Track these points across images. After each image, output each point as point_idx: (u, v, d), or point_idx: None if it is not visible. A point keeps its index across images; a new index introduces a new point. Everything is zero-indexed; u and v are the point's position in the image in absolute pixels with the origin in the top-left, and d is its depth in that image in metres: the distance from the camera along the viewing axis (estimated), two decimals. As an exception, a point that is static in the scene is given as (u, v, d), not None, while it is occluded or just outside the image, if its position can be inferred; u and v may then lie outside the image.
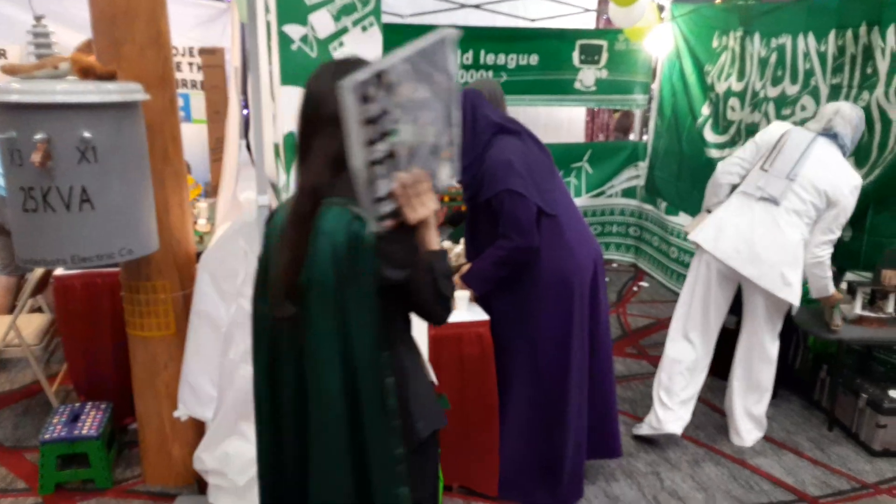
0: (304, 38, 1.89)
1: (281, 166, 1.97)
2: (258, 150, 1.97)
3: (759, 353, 2.98)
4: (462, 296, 2.44)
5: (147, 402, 2.58)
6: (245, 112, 2.42)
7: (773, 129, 3.01)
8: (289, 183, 1.98)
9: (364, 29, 1.94)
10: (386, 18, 4.96)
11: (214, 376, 2.31)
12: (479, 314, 2.42)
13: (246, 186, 2.29)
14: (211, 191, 4.28)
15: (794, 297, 2.78)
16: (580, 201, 5.53)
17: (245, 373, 2.18)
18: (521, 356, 2.48)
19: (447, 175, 1.29)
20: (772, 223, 2.77)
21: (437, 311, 1.32)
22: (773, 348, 2.98)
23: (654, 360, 3.95)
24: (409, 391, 1.35)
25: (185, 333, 2.37)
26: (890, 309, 3.17)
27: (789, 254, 2.76)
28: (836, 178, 2.79)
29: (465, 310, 2.43)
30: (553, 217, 2.47)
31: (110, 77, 2.00)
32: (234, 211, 2.34)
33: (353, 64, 1.26)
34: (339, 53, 1.93)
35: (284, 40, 1.86)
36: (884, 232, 3.25)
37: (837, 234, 2.86)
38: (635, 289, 5.28)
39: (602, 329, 2.56)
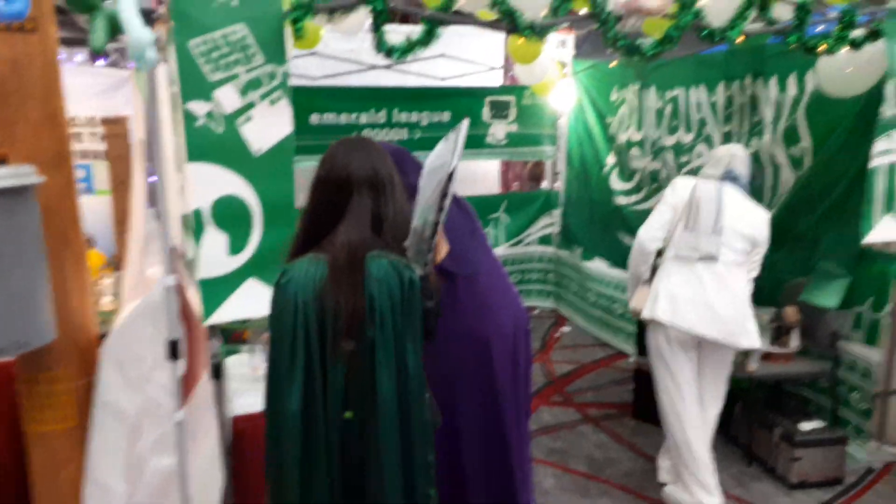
0: (210, 114, 1.85)
1: (190, 240, 1.90)
2: (164, 232, 1.90)
3: (721, 399, 2.97)
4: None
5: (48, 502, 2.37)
6: (151, 180, 2.34)
7: (681, 188, 3.00)
8: (198, 257, 1.90)
9: (272, 103, 1.92)
10: (296, 81, 4.95)
11: (123, 470, 2.15)
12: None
13: (154, 260, 2.19)
14: (116, 264, 4.08)
15: (755, 341, 2.83)
16: (499, 251, 5.61)
17: (156, 466, 2.05)
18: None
19: None
20: (718, 281, 2.81)
21: (434, 331, 1.73)
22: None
23: (580, 407, 4.00)
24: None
25: (87, 424, 2.20)
26: (794, 344, 3.33)
27: (740, 304, 2.81)
28: (753, 219, 2.89)
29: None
30: (470, 277, 2.46)
31: (1, 161, 1.89)
32: (142, 287, 2.23)
33: (368, 142, 1.71)
34: (246, 128, 1.89)
35: (189, 118, 1.82)
36: (782, 269, 3.46)
37: (758, 270, 2.96)
38: (557, 335, 5.35)
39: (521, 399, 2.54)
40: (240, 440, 2.10)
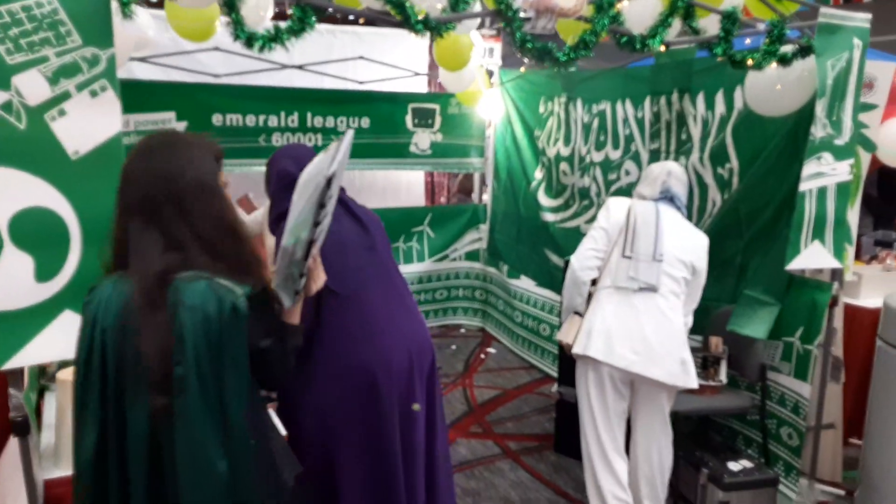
0: (8, 106, 1.46)
1: None
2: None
3: (665, 440, 2.71)
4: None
5: None
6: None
7: (615, 210, 2.75)
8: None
9: (94, 94, 1.55)
10: (199, 78, 4.57)
11: None
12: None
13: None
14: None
15: (693, 381, 2.59)
16: (423, 266, 5.31)
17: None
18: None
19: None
20: (657, 312, 2.56)
21: (282, 378, 1.45)
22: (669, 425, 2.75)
23: (500, 439, 3.71)
24: (273, 447, 1.45)
25: None
26: (722, 376, 3.12)
27: (680, 340, 2.57)
28: (693, 244, 2.67)
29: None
30: (346, 300, 2.12)
31: None
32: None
33: (153, 147, 1.37)
34: (59, 124, 1.52)
35: (-23, 109, 1.44)
36: (708, 296, 3.23)
37: (697, 302, 2.73)
38: (483, 356, 5.07)
39: (415, 445, 2.21)
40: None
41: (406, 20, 1.82)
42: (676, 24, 2.35)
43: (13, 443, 1.72)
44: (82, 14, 1.50)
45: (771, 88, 2.72)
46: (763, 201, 3.10)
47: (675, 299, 2.61)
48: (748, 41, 2.60)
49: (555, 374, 4.26)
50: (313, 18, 1.77)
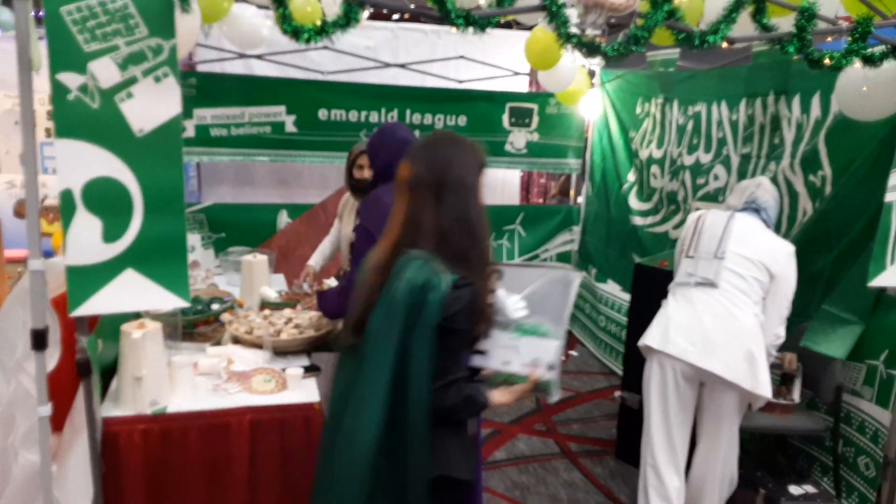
0: (84, 88, 1.70)
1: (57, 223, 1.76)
2: (31, 211, 1.76)
3: (730, 453, 2.63)
4: (294, 373, 2.20)
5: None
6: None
7: (686, 222, 2.79)
8: (66, 242, 1.75)
9: (157, 80, 1.76)
10: (309, 75, 4.89)
11: (-3, 462, 2.03)
12: (310, 393, 2.17)
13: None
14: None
15: (767, 390, 2.45)
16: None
17: (25, 461, 1.91)
18: None
19: None
20: (718, 307, 2.50)
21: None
22: (737, 440, 2.65)
23: (562, 439, 3.69)
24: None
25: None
26: (795, 395, 2.94)
27: (746, 336, 2.47)
28: (769, 247, 2.58)
29: (297, 389, 2.18)
30: None
31: None
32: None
33: (439, 139, 1.68)
34: (127, 105, 1.74)
35: (59, 90, 1.68)
36: (792, 311, 3.06)
37: (789, 307, 2.59)
38: (563, 358, 5.02)
39: None
40: (112, 446, 1.94)
41: (446, 15, 1.90)
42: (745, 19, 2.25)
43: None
44: (149, 8, 1.70)
45: (858, 90, 2.53)
46: (854, 213, 2.88)
47: (741, 296, 2.52)
48: (830, 39, 2.44)
49: (633, 382, 4.17)
50: (359, 14, 1.90)
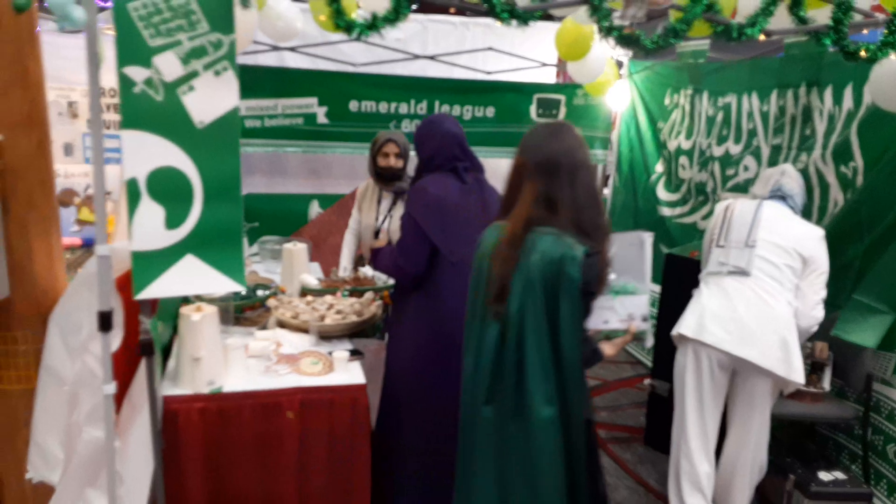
0: (149, 81, 1.78)
1: (124, 211, 1.85)
2: (98, 199, 1.85)
3: (761, 439, 2.67)
4: (340, 356, 2.28)
5: (7, 463, 2.39)
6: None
7: (715, 212, 2.84)
8: (131, 229, 1.84)
9: (217, 73, 1.84)
10: (339, 66, 4.96)
11: (62, 437, 2.14)
12: (356, 376, 2.26)
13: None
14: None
15: (800, 376, 2.50)
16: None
17: (89, 437, 2.02)
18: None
19: None
20: (751, 295, 2.54)
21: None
22: (768, 427, 2.69)
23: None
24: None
25: (43, 387, 2.21)
26: (825, 383, 2.98)
27: (781, 323, 2.51)
28: (799, 233, 2.62)
29: (343, 371, 2.27)
30: (453, 266, 2.40)
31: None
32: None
33: (559, 127, 1.91)
34: (189, 98, 1.82)
35: (126, 83, 1.76)
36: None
37: (825, 291, 2.63)
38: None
39: None
40: (171, 423, 2.04)
41: (492, 9, 1.96)
42: (783, 12, 2.29)
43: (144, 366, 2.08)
44: (210, 4, 1.78)
45: (893, 82, 2.55)
46: (886, 204, 2.91)
47: (774, 283, 2.56)
48: (865, 31, 2.46)
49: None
50: (408, 8, 1.96)
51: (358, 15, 2.07)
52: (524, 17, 2.00)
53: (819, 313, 2.63)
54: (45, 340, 2.15)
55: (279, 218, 4.79)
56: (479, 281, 1.91)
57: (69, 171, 4.00)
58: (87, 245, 3.80)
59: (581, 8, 2.17)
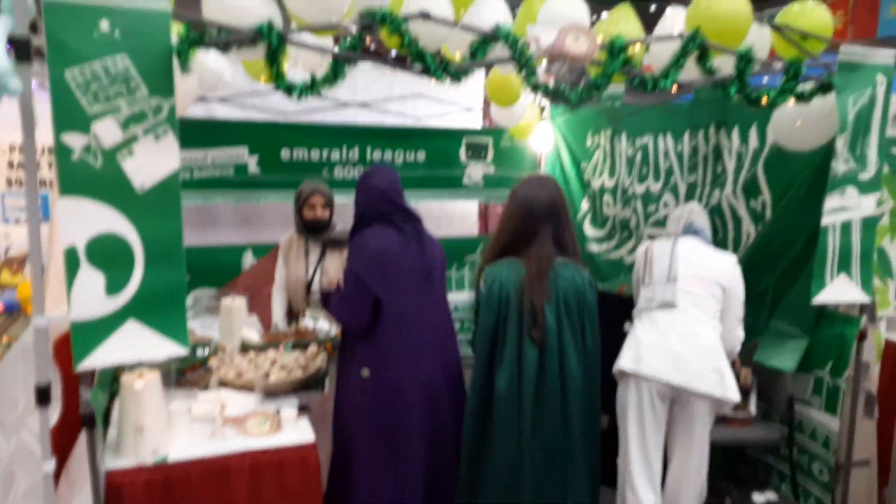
0: (87, 148, 1.77)
1: (56, 276, 1.81)
2: (35, 267, 1.81)
3: (702, 462, 2.76)
4: (288, 414, 2.27)
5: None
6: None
7: (637, 254, 3.03)
8: (70, 298, 1.79)
9: (157, 137, 1.84)
10: (268, 116, 4.97)
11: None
12: (305, 433, 2.24)
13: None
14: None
15: (735, 394, 2.63)
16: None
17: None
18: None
19: None
20: (682, 327, 2.68)
21: None
22: (707, 450, 2.79)
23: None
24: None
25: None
26: (752, 408, 3.15)
27: (710, 350, 2.66)
28: (715, 263, 2.80)
29: (292, 429, 2.25)
30: (397, 317, 2.44)
31: None
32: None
33: (548, 179, 2.66)
34: (129, 162, 1.80)
35: (63, 151, 1.74)
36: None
37: (742, 311, 2.83)
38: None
39: (447, 456, 2.47)
40: (115, 499, 1.96)
41: (427, 69, 2.05)
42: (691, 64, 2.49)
43: (83, 438, 2.01)
44: (149, 70, 1.79)
45: (793, 124, 2.79)
46: (793, 234, 3.14)
47: (699, 313, 2.71)
48: (765, 80, 2.69)
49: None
50: (345, 70, 2.03)
51: (295, 73, 2.12)
52: (457, 75, 2.10)
53: (740, 333, 2.83)
54: (-24, 417, 2.05)
55: (212, 269, 4.69)
56: (507, 312, 2.30)
57: (-15, 233, 3.83)
58: (9, 310, 3.63)
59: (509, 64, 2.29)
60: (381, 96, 5.18)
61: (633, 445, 2.75)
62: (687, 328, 2.69)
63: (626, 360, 2.72)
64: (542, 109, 5.28)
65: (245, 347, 2.89)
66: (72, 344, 1.81)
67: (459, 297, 5.40)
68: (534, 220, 2.39)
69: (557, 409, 2.30)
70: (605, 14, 2.67)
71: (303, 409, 2.40)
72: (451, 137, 5.26)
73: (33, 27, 1.78)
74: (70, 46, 1.71)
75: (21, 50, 1.68)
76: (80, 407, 1.86)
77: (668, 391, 2.67)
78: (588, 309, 2.34)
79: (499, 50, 2.16)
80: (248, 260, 4.86)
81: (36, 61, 1.74)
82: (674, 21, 2.63)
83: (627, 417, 2.74)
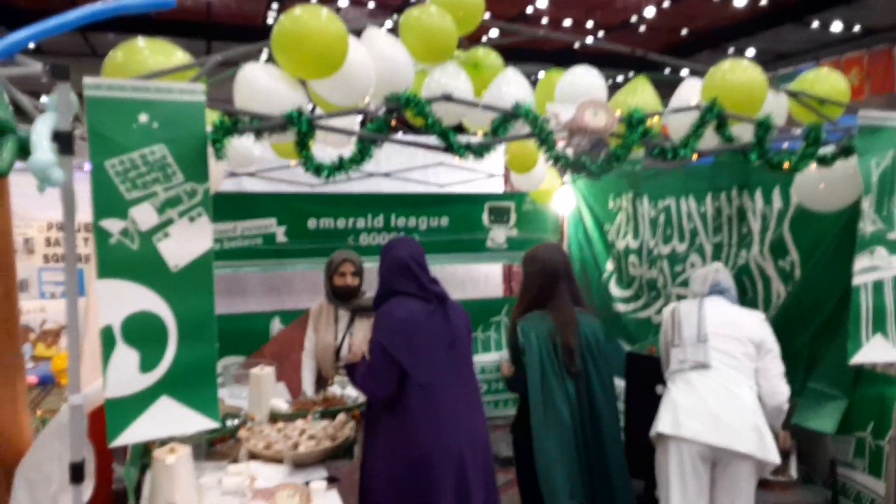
0: (125, 232, 1.84)
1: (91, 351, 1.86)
2: (73, 344, 1.86)
3: None
4: (317, 486, 2.26)
5: None
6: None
7: (664, 317, 3.03)
8: (105, 376, 1.84)
9: (192, 220, 1.91)
10: (296, 188, 5.10)
11: None
12: (334, 507, 2.23)
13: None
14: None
15: (776, 456, 2.60)
16: (501, 354, 5.45)
17: None
18: None
19: None
20: (717, 387, 2.65)
21: None
22: None
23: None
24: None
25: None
26: (792, 472, 3.05)
27: (751, 412, 2.62)
28: (745, 320, 2.79)
29: (321, 500, 2.24)
30: (422, 388, 2.43)
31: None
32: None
33: (556, 244, 4.00)
34: (164, 244, 1.87)
35: (102, 234, 1.82)
36: (776, 390, 3.22)
37: (783, 366, 2.79)
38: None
39: None
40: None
41: (449, 147, 2.12)
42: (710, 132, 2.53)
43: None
44: (185, 157, 1.88)
45: (816, 187, 2.80)
46: (825, 293, 3.11)
47: (734, 373, 2.68)
48: (786, 145, 2.72)
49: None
50: (372, 150, 2.11)
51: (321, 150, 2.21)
52: (480, 152, 2.16)
53: (784, 388, 2.76)
54: (12, 494, 2.07)
55: (240, 337, 4.75)
56: (548, 354, 2.81)
57: (24, 308, 3.94)
58: (44, 382, 3.70)
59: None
60: (405, 166, 5.31)
61: (684, 498, 2.65)
62: (723, 388, 2.65)
63: (664, 424, 2.68)
64: (563, 173, 5.35)
65: (274, 417, 2.90)
66: (106, 420, 1.84)
67: (486, 359, 5.38)
68: (555, 279, 2.94)
69: (589, 420, 2.87)
70: (619, 79, 2.74)
71: (332, 481, 2.39)
72: (473, 202, 5.34)
73: (76, 118, 1.89)
74: (110, 138, 1.80)
75: (64, 143, 1.78)
76: (113, 483, 1.88)
77: (708, 453, 2.61)
78: (602, 348, 2.93)
79: (519, 126, 2.23)
80: (276, 327, 4.91)
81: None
82: (690, 91, 2.68)
83: (670, 482, 2.67)
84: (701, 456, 2.62)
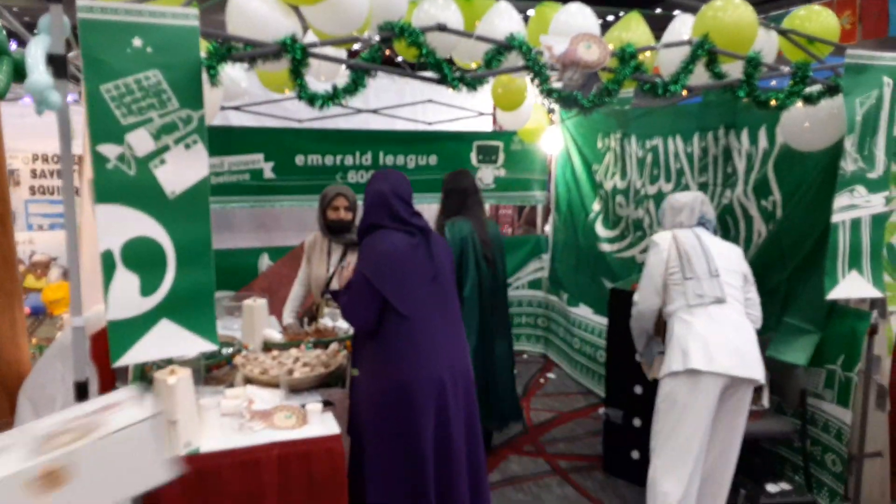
0: (122, 157, 1.86)
1: (92, 278, 1.90)
2: (73, 270, 1.90)
3: (738, 449, 2.80)
4: (313, 408, 2.35)
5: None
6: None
7: (663, 244, 2.89)
8: (107, 299, 1.89)
9: (188, 147, 1.93)
10: (284, 123, 5.07)
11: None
12: (330, 426, 2.32)
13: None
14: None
15: (763, 376, 2.73)
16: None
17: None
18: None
19: None
20: (734, 320, 2.73)
21: None
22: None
23: (551, 458, 3.88)
24: None
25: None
26: (764, 401, 3.20)
27: (755, 341, 2.75)
28: (730, 252, 2.86)
29: (317, 423, 2.33)
30: (405, 319, 2.48)
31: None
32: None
33: (468, 172, 4.10)
34: (160, 170, 1.90)
35: (99, 159, 1.83)
36: (753, 324, 3.34)
37: (758, 298, 2.90)
38: (542, 380, 5.24)
39: (454, 452, 2.51)
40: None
41: (444, 78, 2.13)
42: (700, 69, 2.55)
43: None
44: (180, 83, 1.88)
45: (801, 126, 2.85)
46: (804, 233, 3.19)
47: (738, 305, 2.78)
48: (773, 83, 2.75)
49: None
50: (365, 81, 2.11)
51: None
52: (473, 84, 2.17)
53: (759, 315, 2.88)
54: (16, 416, 2.14)
55: (229, 272, 4.78)
56: (471, 241, 3.65)
57: (13, 239, 3.93)
58: (35, 313, 3.74)
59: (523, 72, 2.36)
60: (393, 103, 5.28)
61: (694, 442, 2.68)
62: (738, 321, 2.74)
63: (697, 360, 2.65)
64: (551, 112, 5.35)
65: (267, 347, 2.97)
66: (109, 342, 1.89)
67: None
68: (466, 195, 3.79)
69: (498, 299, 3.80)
70: (609, 18, 2.74)
71: (327, 405, 2.47)
72: (461, 141, 5.35)
73: (67, 45, 1.88)
74: (105, 62, 1.80)
75: (58, 67, 1.78)
76: (117, 403, 1.95)
77: (729, 384, 2.68)
78: (502, 246, 3.87)
79: (513, 59, 2.24)
80: (265, 263, 4.96)
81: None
82: (682, 27, 2.69)
83: (689, 415, 2.68)
84: (724, 387, 2.68)
